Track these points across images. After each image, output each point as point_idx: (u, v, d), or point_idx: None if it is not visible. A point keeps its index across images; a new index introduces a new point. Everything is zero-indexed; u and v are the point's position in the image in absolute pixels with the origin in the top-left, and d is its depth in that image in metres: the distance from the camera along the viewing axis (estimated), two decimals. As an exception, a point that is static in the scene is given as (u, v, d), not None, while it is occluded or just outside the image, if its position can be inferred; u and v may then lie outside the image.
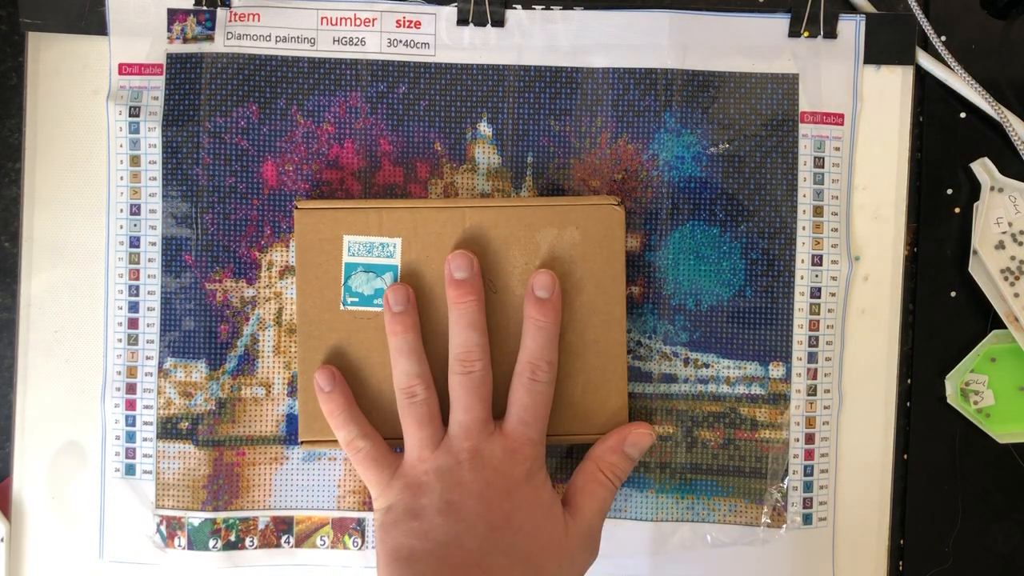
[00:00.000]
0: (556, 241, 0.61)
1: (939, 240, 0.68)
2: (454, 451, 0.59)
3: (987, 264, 0.66)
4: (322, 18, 0.66)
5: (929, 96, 0.68)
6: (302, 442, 0.63)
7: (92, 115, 0.66)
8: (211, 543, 0.66)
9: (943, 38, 0.67)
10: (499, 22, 0.66)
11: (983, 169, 0.67)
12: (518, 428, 0.59)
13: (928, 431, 0.68)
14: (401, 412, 0.60)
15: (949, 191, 0.68)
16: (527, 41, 0.66)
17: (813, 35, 0.66)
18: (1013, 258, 0.67)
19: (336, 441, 0.62)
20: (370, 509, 0.66)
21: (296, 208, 0.61)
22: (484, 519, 0.57)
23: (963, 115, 0.68)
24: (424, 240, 0.62)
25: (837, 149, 0.66)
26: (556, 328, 0.61)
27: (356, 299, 0.62)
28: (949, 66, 0.67)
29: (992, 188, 0.67)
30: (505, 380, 0.61)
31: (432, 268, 0.62)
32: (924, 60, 0.67)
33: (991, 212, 0.67)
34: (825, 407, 0.67)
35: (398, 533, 0.58)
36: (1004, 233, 0.67)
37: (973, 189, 0.68)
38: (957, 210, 0.69)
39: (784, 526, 0.66)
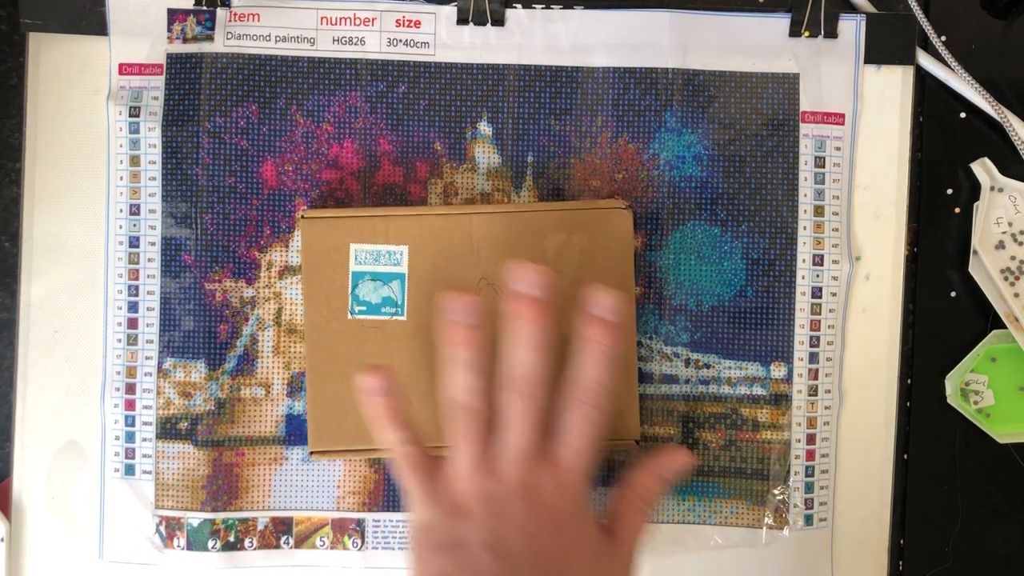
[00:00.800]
0: (564, 246, 0.61)
1: (939, 240, 0.68)
2: (504, 478, 0.55)
3: (987, 264, 0.66)
4: (322, 18, 0.65)
5: (929, 96, 0.68)
6: (312, 453, 0.62)
7: (92, 115, 0.66)
8: (210, 544, 0.65)
9: (943, 38, 0.67)
10: (499, 21, 0.66)
11: (983, 169, 0.67)
12: (572, 459, 0.56)
13: (928, 431, 0.68)
14: (455, 427, 0.56)
15: (949, 191, 0.68)
16: (527, 40, 0.66)
17: (813, 35, 0.66)
18: (1013, 258, 0.66)
19: (344, 452, 0.62)
20: (369, 510, 0.66)
21: (302, 217, 0.61)
22: (533, 559, 0.53)
23: (963, 115, 0.68)
24: (431, 247, 0.61)
25: (838, 149, 0.66)
26: (618, 353, 0.56)
27: (364, 308, 0.62)
28: (949, 66, 0.66)
29: (992, 188, 0.67)
30: None
31: (439, 275, 0.61)
32: (924, 60, 0.67)
33: (991, 212, 0.67)
34: (826, 407, 0.67)
35: (442, 560, 0.54)
36: (1004, 233, 0.67)
37: (973, 189, 0.68)
38: (957, 210, 0.68)
39: (786, 528, 0.66)
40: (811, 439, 0.67)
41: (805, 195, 0.66)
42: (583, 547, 0.55)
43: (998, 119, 0.66)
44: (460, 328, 0.55)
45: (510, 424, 0.55)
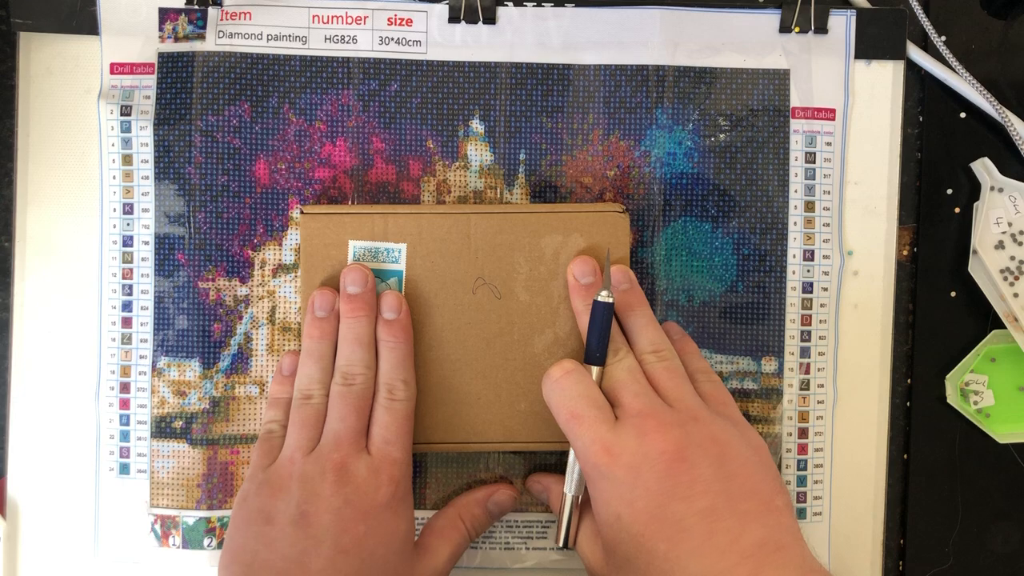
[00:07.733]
0: (561, 248, 0.61)
1: (939, 240, 0.68)
2: (322, 460, 0.57)
3: (987, 264, 0.66)
4: (313, 16, 0.66)
5: (929, 96, 0.68)
6: None
7: (84, 115, 0.66)
8: (206, 542, 0.65)
9: (943, 38, 0.66)
10: (491, 19, 0.66)
11: (983, 169, 0.67)
12: (382, 447, 0.58)
13: (928, 431, 0.68)
14: (292, 412, 0.60)
15: (949, 191, 0.68)
16: (519, 38, 0.66)
17: (803, 30, 0.66)
18: (1013, 258, 0.66)
19: None
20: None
21: (302, 213, 0.61)
22: (334, 539, 0.55)
23: (963, 115, 0.68)
24: (429, 245, 0.61)
25: (829, 144, 0.66)
26: (408, 347, 0.61)
27: (360, 304, 0.62)
28: (950, 66, 0.66)
29: (992, 188, 0.67)
30: (507, 387, 0.62)
31: (437, 274, 0.61)
32: (924, 60, 0.67)
33: (991, 212, 0.67)
34: (819, 401, 0.66)
35: (249, 534, 0.56)
36: (1004, 233, 0.67)
37: (973, 189, 0.68)
38: (957, 210, 0.68)
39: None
40: (803, 433, 0.66)
41: (796, 190, 0.66)
42: (390, 539, 0.57)
43: (998, 119, 0.66)
44: (316, 321, 0.60)
45: (332, 410, 0.59)
